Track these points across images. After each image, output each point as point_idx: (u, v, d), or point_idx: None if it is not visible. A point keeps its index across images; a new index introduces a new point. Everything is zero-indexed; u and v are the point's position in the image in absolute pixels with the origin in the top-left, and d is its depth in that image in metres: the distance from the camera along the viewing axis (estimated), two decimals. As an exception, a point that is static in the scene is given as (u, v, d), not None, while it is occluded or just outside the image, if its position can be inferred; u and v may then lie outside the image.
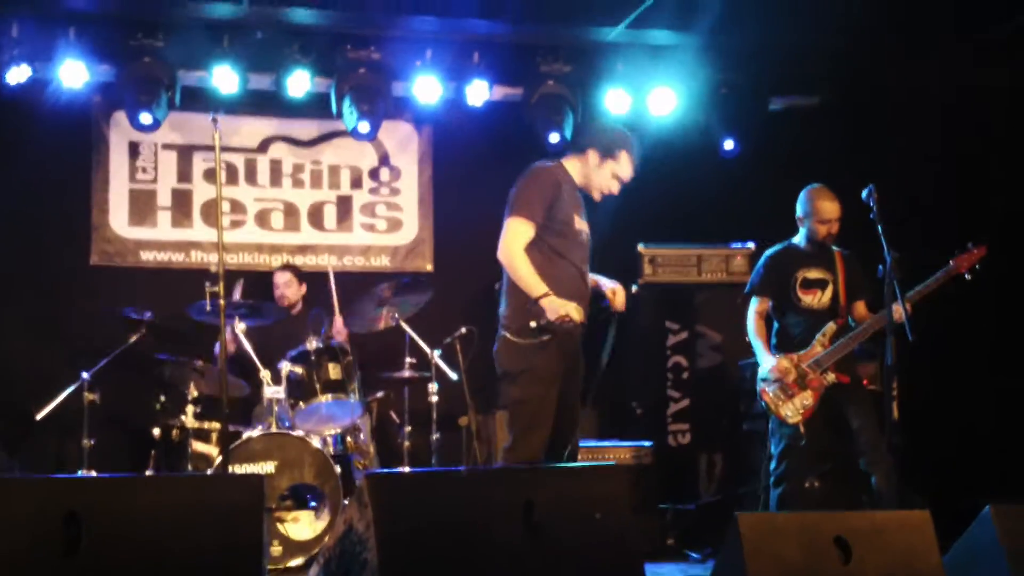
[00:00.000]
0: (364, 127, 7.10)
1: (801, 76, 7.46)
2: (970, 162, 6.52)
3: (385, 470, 6.37)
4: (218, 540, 3.06)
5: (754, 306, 5.56)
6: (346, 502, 5.75)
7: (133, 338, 6.20)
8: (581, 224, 4.73)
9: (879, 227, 4.85)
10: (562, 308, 4.40)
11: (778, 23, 6.58)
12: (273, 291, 7.06)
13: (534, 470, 4.11)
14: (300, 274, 7.17)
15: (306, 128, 7.83)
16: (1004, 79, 6.40)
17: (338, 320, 6.81)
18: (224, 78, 6.90)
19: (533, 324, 4.48)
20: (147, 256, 7.54)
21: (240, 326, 6.13)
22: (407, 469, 6.30)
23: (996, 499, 3.80)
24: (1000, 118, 6.45)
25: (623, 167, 4.76)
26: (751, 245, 7.00)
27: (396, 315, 6.49)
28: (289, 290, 7.03)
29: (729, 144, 7.50)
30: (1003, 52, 6.33)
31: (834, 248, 5.55)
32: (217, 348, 5.66)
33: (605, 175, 4.75)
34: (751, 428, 6.56)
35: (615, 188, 4.80)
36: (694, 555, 6.27)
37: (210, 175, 7.58)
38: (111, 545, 2.97)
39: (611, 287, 4.75)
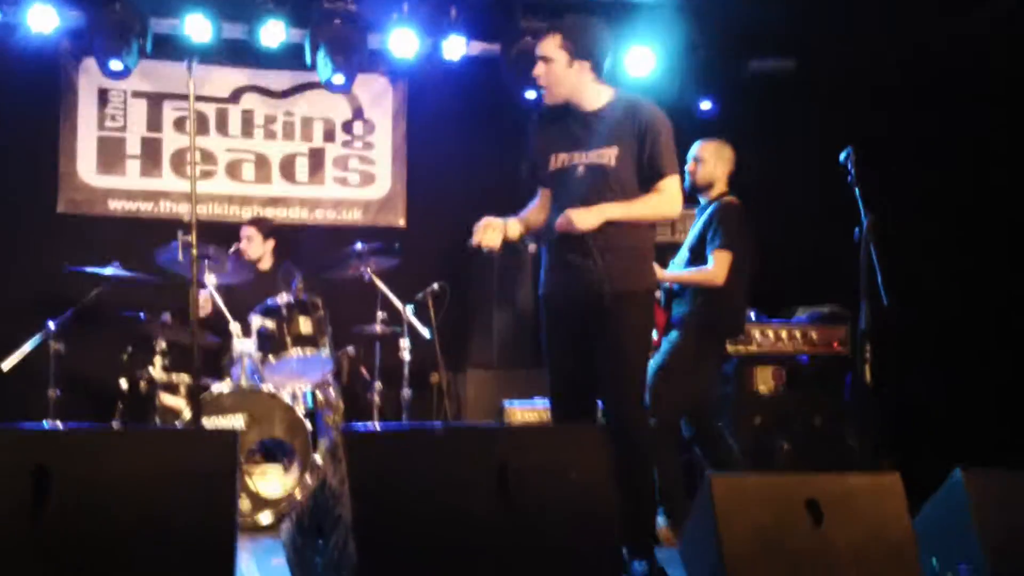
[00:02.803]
0: (338, 79, 7.01)
1: (778, 38, 7.43)
2: (950, 124, 6.51)
3: (360, 424, 6.35)
4: (191, 496, 3.03)
5: None
6: (316, 457, 5.73)
7: (99, 288, 6.12)
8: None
9: (856, 190, 4.85)
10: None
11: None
12: (240, 242, 6.99)
13: (510, 428, 4.11)
14: (268, 230, 7.05)
15: (279, 79, 7.73)
16: (985, 29, 6.36)
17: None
18: (197, 26, 6.80)
19: None
20: (115, 205, 7.44)
21: (211, 278, 6.06)
22: (377, 425, 6.29)
23: (966, 462, 3.84)
24: (983, 76, 6.43)
25: None
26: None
27: (368, 269, 6.44)
28: (251, 246, 6.91)
29: (706, 105, 7.51)
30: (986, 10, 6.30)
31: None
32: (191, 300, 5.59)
33: None
34: (721, 391, 6.58)
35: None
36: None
37: (180, 124, 7.49)
38: (81, 499, 2.93)
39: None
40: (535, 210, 4.49)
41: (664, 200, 4.24)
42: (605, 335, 4.17)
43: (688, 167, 5.44)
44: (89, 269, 6.13)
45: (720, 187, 5.53)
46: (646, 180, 4.22)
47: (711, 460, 5.43)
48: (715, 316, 5.37)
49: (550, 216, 4.35)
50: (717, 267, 5.29)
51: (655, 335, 5.41)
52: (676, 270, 5.44)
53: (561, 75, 4.24)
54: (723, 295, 5.33)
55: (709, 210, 5.45)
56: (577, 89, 4.28)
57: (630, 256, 4.24)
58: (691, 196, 5.46)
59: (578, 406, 4.30)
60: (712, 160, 5.49)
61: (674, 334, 5.38)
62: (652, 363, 5.18)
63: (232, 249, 6.80)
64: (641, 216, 4.24)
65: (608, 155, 4.21)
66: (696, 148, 5.51)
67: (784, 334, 6.59)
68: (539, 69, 4.28)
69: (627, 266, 4.21)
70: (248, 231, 6.97)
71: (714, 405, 5.56)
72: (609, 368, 4.18)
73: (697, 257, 5.42)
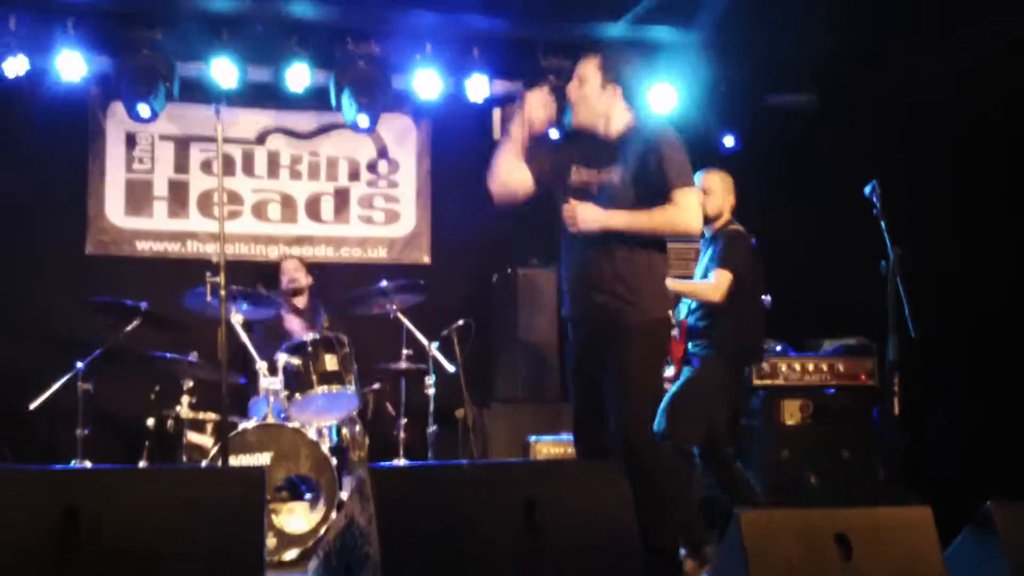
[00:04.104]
0: (363, 120, 7.08)
1: (800, 73, 7.46)
2: (970, 159, 6.51)
3: (386, 463, 6.35)
4: (219, 534, 3.04)
5: None
6: (342, 494, 5.73)
7: (128, 328, 6.16)
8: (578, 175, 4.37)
9: (882, 223, 4.85)
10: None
11: (778, 20, 6.57)
12: (281, 279, 7.06)
13: (535, 464, 4.09)
14: (307, 264, 7.19)
15: (304, 120, 7.81)
16: (999, 73, 6.38)
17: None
18: (223, 70, 6.87)
19: None
20: (143, 246, 7.52)
21: (237, 318, 6.10)
22: (403, 462, 6.29)
23: (997, 496, 3.80)
24: (999, 113, 6.43)
25: None
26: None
27: (393, 307, 6.47)
28: (299, 274, 7.08)
29: (729, 140, 7.53)
30: (997, 50, 6.32)
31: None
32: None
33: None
34: (748, 423, 6.56)
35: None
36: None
37: (207, 166, 7.57)
38: (110, 539, 2.95)
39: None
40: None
41: (679, 213, 4.15)
42: (615, 361, 4.17)
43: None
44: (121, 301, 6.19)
45: (726, 216, 5.55)
46: (654, 196, 4.16)
47: (721, 485, 5.41)
48: (732, 347, 5.39)
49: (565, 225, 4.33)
50: (716, 284, 5.31)
51: (672, 367, 5.43)
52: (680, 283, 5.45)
53: (593, 96, 4.30)
54: (739, 325, 5.35)
55: (715, 239, 5.47)
56: (605, 112, 4.32)
57: (641, 283, 4.21)
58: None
59: (595, 428, 4.28)
60: (720, 192, 5.54)
61: (694, 364, 5.39)
62: (670, 392, 5.22)
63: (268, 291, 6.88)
64: (650, 227, 4.17)
65: (615, 173, 4.24)
66: (701, 179, 5.52)
67: (811, 367, 6.57)
68: (572, 86, 4.34)
69: (637, 293, 4.19)
70: (293, 262, 7.09)
71: (725, 431, 5.55)
72: (617, 394, 4.16)
73: None
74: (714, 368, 5.36)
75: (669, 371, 5.45)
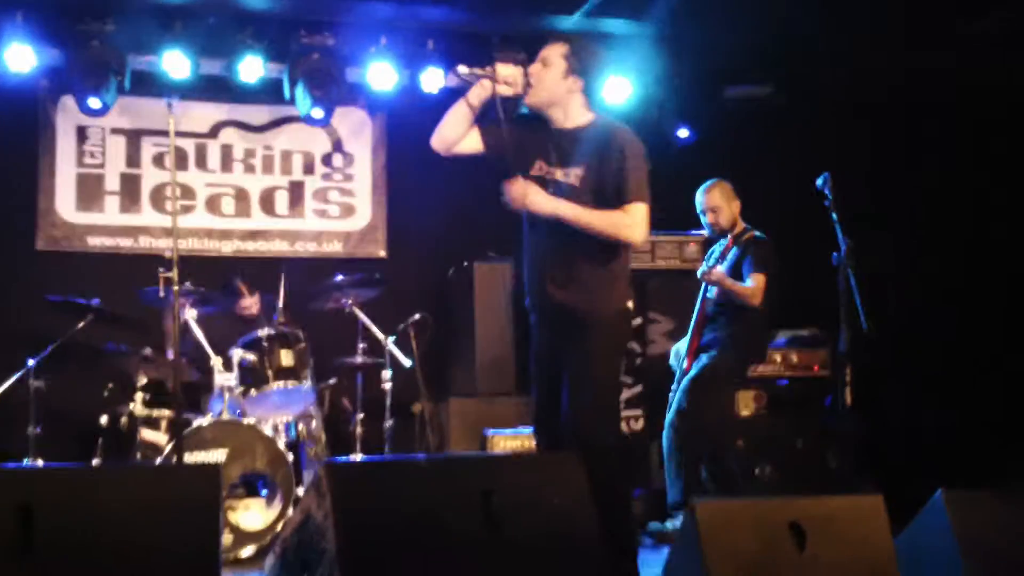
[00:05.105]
0: (317, 113, 7.05)
1: (755, 66, 7.50)
2: (926, 150, 6.59)
3: (342, 458, 6.33)
4: (174, 532, 3.02)
5: None
6: (299, 491, 5.71)
7: (80, 325, 6.09)
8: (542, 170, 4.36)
9: (833, 215, 4.90)
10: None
11: (732, 12, 6.61)
12: (238, 300, 6.81)
13: (492, 458, 4.10)
14: (252, 286, 6.92)
15: (258, 113, 7.75)
16: (951, 63, 6.45)
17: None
18: (175, 63, 6.80)
19: None
20: (95, 241, 7.43)
21: (191, 313, 6.05)
22: (360, 457, 6.27)
23: (947, 484, 3.86)
24: (953, 104, 6.52)
25: None
26: (705, 232, 7.03)
27: (349, 301, 6.45)
28: (255, 308, 6.86)
29: (683, 133, 7.59)
30: (953, 42, 6.40)
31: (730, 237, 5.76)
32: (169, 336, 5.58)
33: None
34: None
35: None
36: (646, 539, 6.30)
37: (159, 160, 7.50)
38: (65, 537, 2.92)
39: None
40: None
41: (625, 221, 4.15)
42: (575, 353, 4.17)
43: (707, 219, 5.66)
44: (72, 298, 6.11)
45: (740, 223, 5.76)
46: (609, 201, 4.16)
47: (715, 478, 5.49)
48: (749, 340, 5.55)
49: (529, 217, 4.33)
50: (755, 288, 5.53)
51: (685, 360, 5.56)
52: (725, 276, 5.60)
53: (552, 82, 4.27)
54: (758, 321, 5.51)
55: (738, 249, 5.66)
56: (562, 101, 4.30)
57: (598, 277, 4.21)
58: (716, 239, 5.83)
59: (554, 419, 4.26)
60: (725, 203, 5.78)
61: (711, 353, 5.50)
62: (690, 375, 5.47)
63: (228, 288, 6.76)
64: (593, 225, 4.14)
65: (575, 175, 4.22)
66: (703, 199, 5.76)
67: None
68: (534, 68, 4.31)
69: (594, 287, 4.19)
70: (254, 296, 6.82)
71: (731, 425, 5.66)
72: (575, 386, 4.17)
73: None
74: (729, 357, 5.56)
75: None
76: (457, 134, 4.33)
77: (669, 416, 5.57)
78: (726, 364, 5.55)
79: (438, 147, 4.38)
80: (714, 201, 5.71)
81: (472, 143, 4.36)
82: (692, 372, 5.52)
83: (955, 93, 6.41)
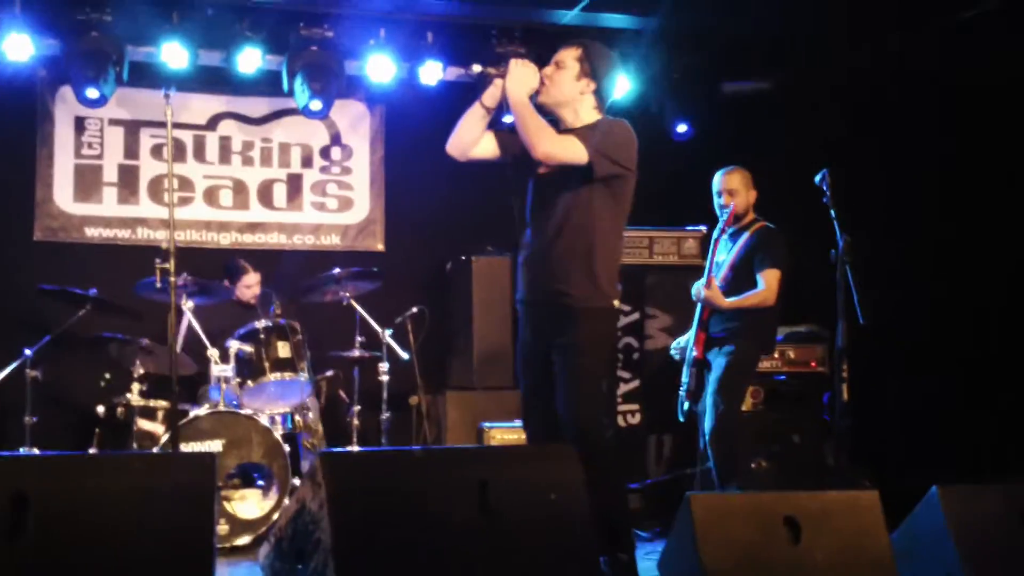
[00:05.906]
0: (316, 105, 7.03)
1: (754, 60, 7.49)
2: (925, 145, 6.58)
3: (339, 449, 6.34)
4: (170, 520, 3.02)
5: None
6: (295, 481, 5.72)
7: (77, 315, 6.09)
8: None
9: (832, 211, 4.90)
10: None
11: (730, 8, 6.60)
12: (238, 285, 6.83)
13: (489, 450, 4.10)
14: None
15: (257, 105, 7.75)
16: (950, 57, 6.45)
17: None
18: (174, 54, 6.79)
19: None
20: (92, 232, 7.42)
21: (188, 304, 6.05)
22: (356, 449, 6.28)
23: (943, 480, 3.86)
24: (954, 102, 6.51)
25: None
26: (703, 228, 7.03)
27: (347, 294, 6.45)
28: (257, 287, 6.89)
29: (682, 127, 7.57)
30: (950, 38, 6.39)
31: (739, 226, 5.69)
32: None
33: None
34: (701, 409, 6.61)
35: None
36: (643, 534, 6.31)
37: (157, 151, 7.49)
38: (60, 525, 2.92)
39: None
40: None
41: (565, 142, 4.16)
42: (564, 346, 4.18)
43: (722, 201, 5.59)
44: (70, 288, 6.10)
45: (752, 213, 5.69)
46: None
47: (721, 472, 5.46)
48: (762, 332, 5.54)
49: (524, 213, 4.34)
50: (769, 287, 5.47)
51: (695, 351, 5.54)
52: (732, 297, 5.51)
53: (565, 84, 4.31)
54: (770, 315, 5.50)
55: (749, 236, 5.59)
56: (573, 103, 4.33)
57: (593, 270, 4.21)
58: (730, 225, 5.66)
59: (541, 410, 4.28)
60: (743, 190, 5.68)
61: (729, 348, 5.46)
62: (716, 375, 5.43)
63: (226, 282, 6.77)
64: (538, 131, 4.13)
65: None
66: (722, 181, 5.65)
67: (763, 353, 6.63)
68: (548, 70, 4.33)
69: (588, 280, 4.19)
70: (255, 276, 6.86)
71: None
72: (564, 379, 4.17)
73: (740, 279, 5.55)
74: (748, 351, 5.53)
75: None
76: (473, 137, 4.33)
77: (709, 424, 5.45)
78: (748, 356, 5.53)
79: (454, 153, 4.37)
80: (733, 184, 5.64)
81: (488, 148, 4.38)
82: (717, 372, 5.44)
83: (955, 92, 6.40)
